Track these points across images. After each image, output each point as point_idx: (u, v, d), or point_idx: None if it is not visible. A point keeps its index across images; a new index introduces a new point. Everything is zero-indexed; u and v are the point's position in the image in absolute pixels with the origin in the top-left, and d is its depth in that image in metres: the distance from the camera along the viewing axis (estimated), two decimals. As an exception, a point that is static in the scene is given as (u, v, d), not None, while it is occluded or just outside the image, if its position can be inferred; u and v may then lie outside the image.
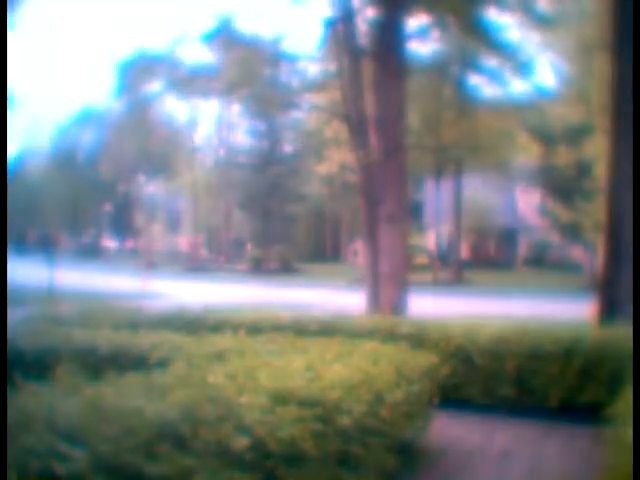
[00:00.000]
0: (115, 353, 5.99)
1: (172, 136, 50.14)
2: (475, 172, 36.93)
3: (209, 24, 12.94)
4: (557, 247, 43.17)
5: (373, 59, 11.86)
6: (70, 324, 7.56)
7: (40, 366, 5.42)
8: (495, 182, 39.27)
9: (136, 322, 7.67)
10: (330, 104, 19.52)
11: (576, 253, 38.47)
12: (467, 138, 29.98)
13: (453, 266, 36.26)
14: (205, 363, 4.59)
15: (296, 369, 4.28)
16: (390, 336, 6.94)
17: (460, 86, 30.48)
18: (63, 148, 61.31)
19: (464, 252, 41.13)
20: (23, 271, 27.55)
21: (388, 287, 11.32)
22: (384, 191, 11.42)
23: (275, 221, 44.11)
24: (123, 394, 3.29)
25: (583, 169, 28.64)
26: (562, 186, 32.12)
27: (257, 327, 7.32)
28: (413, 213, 35.56)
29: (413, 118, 22.10)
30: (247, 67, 13.44)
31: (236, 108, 45.71)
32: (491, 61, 23.89)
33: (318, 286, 30.18)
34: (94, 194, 60.60)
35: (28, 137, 64.55)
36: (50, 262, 22.88)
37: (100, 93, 55.55)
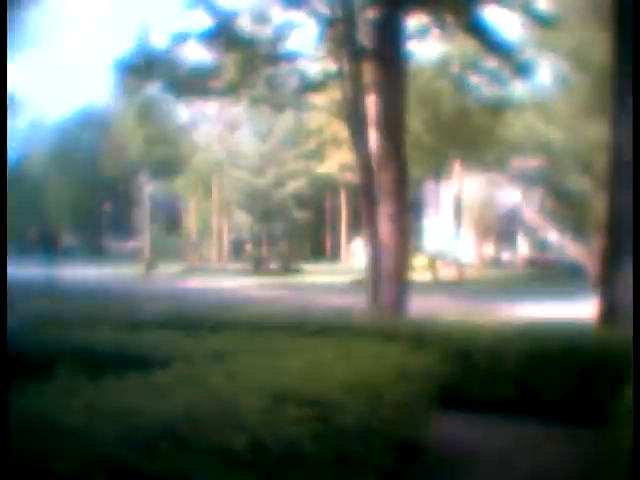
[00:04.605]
0: (115, 353, 5.98)
1: (172, 136, 50.18)
2: (475, 172, 36.96)
3: (209, 23, 12.94)
4: (557, 247, 43.18)
5: (373, 59, 11.85)
6: (70, 324, 7.56)
7: (40, 366, 5.42)
8: (495, 182, 39.29)
9: (136, 322, 7.68)
10: (330, 104, 19.52)
11: (576, 253, 38.47)
12: (467, 138, 30.03)
13: (453, 266, 36.28)
14: (205, 363, 4.59)
15: (296, 369, 4.28)
16: (390, 336, 6.94)
17: (460, 86, 30.50)
18: (64, 148, 61.35)
19: (464, 252, 41.16)
20: (24, 270, 27.56)
21: (388, 287, 11.32)
22: (384, 191, 11.42)
23: (275, 221, 44.13)
24: (123, 394, 3.29)
25: (583, 169, 28.65)
26: (562, 186, 32.12)
27: (257, 327, 7.32)
28: (413, 213, 35.57)
29: (413, 118, 22.10)
30: (246, 67, 13.44)
31: (236, 108, 45.76)
32: (491, 61, 23.89)
33: (318, 286, 30.19)
34: (94, 194, 60.66)
35: (29, 137, 64.60)
36: (50, 261, 22.90)
37: (101, 93, 55.56)
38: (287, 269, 43.08)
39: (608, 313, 9.50)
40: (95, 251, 63.37)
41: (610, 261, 9.80)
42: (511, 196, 45.20)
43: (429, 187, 42.05)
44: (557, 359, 6.78)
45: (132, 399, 3.16)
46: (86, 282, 27.14)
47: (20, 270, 26.33)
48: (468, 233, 42.51)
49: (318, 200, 51.65)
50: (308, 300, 18.77)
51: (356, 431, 3.89)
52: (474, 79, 30.43)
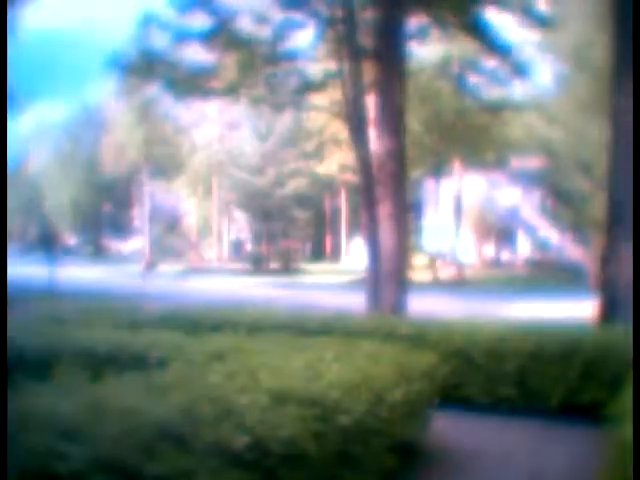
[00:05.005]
0: (115, 353, 5.98)
1: (172, 136, 50.16)
2: (475, 172, 36.97)
3: (209, 23, 12.88)
4: (557, 247, 43.19)
5: (373, 59, 11.85)
6: (70, 324, 7.56)
7: (40, 366, 5.42)
8: (495, 182, 39.32)
9: (136, 322, 7.67)
10: (330, 104, 19.51)
11: (576, 253, 38.49)
12: (466, 138, 30.03)
13: (453, 266, 36.28)
14: (205, 363, 4.59)
15: (296, 369, 4.28)
16: (390, 336, 6.94)
17: (460, 86, 30.51)
18: (64, 148, 61.35)
19: (464, 252, 41.17)
20: (24, 270, 27.56)
21: (388, 287, 11.32)
22: (384, 191, 11.42)
23: (275, 221, 44.11)
24: (123, 394, 3.29)
25: (583, 169, 28.65)
26: (562, 186, 32.11)
27: (257, 327, 7.33)
28: (413, 213, 35.59)
29: (413, 118, 22.11)
30: (246, 67, 13.44)
31: (236, 108, 45.75)
32: (490, 62, 23.92)
33: (318, 286, 30.19)
34: (94, 194, 60.65)
35: (30, 136, 64.61)
36: (51, 261, 22.88)
37: (102, 92, 55.65)
38: (287, 269, 43.09)
39: (608, 313, 9.51)
40: (95, 251, 63.35)
41: (610, 261, 9.80)
42: (511, 196, 45.22)
43: (429, 187, 42.05)
44: (557, 359, 6.78)
45: (132, 399, 3.16)
46: (86, 282, 27.14)
47: (20, 270, 26.34)
48: (468, 233, 42.52)
49: (318, 200, 51.62)
50: (308, 300, 18.78)
51: (356, 431, 3.89)
52: (474, 79, 30.44)
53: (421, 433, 5.40)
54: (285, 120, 42.39)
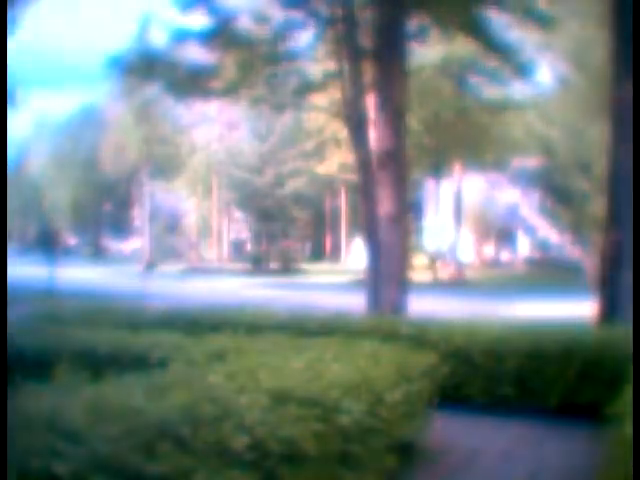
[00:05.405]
0: (115, 353, 5.99)
1: (172, 136, 50.18)
2: (475, 172, 36.97)
3: (209, 23, 12.90)
4: (557, 247, 43.20)
5: (373, 59, 11.85)
6: (70, 324, 7.56)
7: (40, 366, 5.42)
8: (495, 182, 39.32)
9: (136, 322, 7.67)
10: (330, 104, 19.51)
11: (576, 253, 38.49)
12: (466, 138, 30.04)
13: (453, 266, 36.29)
14: (205, 363, 4.59)
15: (296, 369, 4.29)
16: (390, 336, 6.94)
17: (460, 86, 30.51)
18: (64, 148, 61.37)
19: (464, 252, 41.19)
20: (24, 270, 27.57)
21: (388, 287, 11.31)
22: (384, 191, 11.41)
23: (275, 221, 44.12)
24: (123, 394, 3.29)
25: (583, 169, 28.68)
26: (562, 186, 32.14)
27: (257, 327, 7.32)
28: (413, 213, 35.59)
29: (413, 118, 22.11)
30: (246, 67, 13.44)
31: (236, 108, 45.72)
32: (491, 62, 23.90)
33: (318, 286, 30.20)
34: (94, 194, 60.67)
35: (30, 136, 64.60)
36: (51, 261, 22.88)
37: (102, 92, 55.65)
38: (287, 269, 43.08)
39: (607, 313, 9.51)
40: (95, 251, 63.35)
41: (609, 261, 9.81)
42: (511, 196, 45.22)
43: (429, 187, 42.05)
44: (557, 359, 6.79)
45: (132, 399, 3.16)
46: (86, 282, 27.14)
47: (20, 270, 26.34)
48: (468, 233, 42.56)
49: (318, 200, 51.63)
50: (308, 300, 18.78)
51: (356, 431, 3.89)
52: (474, 79, 30.43)
53: (421, 433, 5.40)
54: (285, 120, 42.37)
